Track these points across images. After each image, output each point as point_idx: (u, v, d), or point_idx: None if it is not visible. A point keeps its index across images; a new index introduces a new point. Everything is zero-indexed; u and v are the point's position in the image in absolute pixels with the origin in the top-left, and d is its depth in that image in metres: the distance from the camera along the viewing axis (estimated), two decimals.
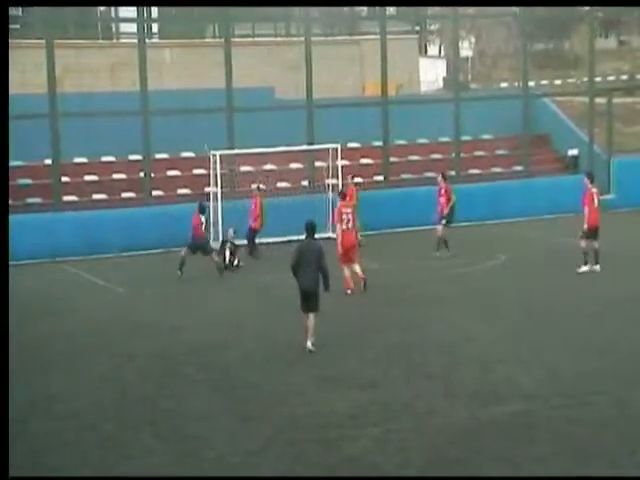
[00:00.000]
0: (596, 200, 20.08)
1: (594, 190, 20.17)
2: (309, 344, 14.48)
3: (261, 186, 24.53)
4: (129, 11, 36.86)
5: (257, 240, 23.99)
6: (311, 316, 14.51)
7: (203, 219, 21.58)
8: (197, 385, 13.26)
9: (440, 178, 23.33)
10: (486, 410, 11.74)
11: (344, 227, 18.65)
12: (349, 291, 18.64)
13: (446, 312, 17.16)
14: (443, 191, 22.98)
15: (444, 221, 22.74)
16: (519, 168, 31.14)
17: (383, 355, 14.41)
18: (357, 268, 18.78)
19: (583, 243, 20.05)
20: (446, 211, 22.79)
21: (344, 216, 18.68)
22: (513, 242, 24.75)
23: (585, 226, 19.86)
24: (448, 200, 22.89)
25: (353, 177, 25.52)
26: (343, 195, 19.93)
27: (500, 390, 12.50)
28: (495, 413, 11.63)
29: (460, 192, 28.27)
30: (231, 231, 22.79)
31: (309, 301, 14.46)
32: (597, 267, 20.04)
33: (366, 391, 12.66)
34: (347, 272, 18.69)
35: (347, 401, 12.26)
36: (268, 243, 24.41)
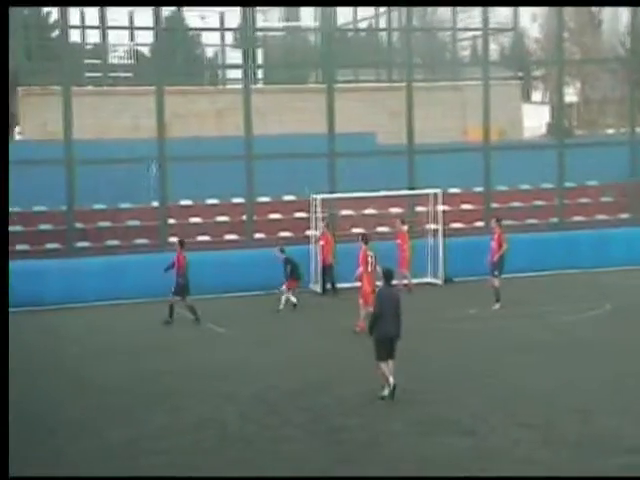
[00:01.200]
0: None
1: None
2: (391, 381, 14.53)
3: (326, 224, 25.24)
4: (235, 58, 37.79)
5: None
6: (390, 363, 14.54)
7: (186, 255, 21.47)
8: (295, 427, 13.36)
9: (494, 223, 22.88)
10: (589, 461, 11.49)
11: (369, 270, 19.75)
12: (358, 329, 19.21)
13: (547, 360, 16.89)
14: (496, 237, 22.48)
15: (496, 272, 22.25)
16: (625, 216, 30.53)
17: (481, 402, 14.27)
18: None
19: None
20: (496, 259, 22.23)
21: (369, 259, 19.78)
22: (619, 291, 24.19)
23: None
24: (499, 247, 22.32)
25: (403, 222, 25.48)
26: (366, 239, 20.45)
27: (603, 441, 12.23)
28: (598, 465, 11.37)
29: (564, 239, 28.01)
30: (277, 250, 23.14)
31: (391, 348, 14.54)
32: None
33: (464, 437, 12.56)
34: (364, 313, 19.26)
35: (444, 447, 12.19)
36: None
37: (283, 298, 22.58)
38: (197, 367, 17.19)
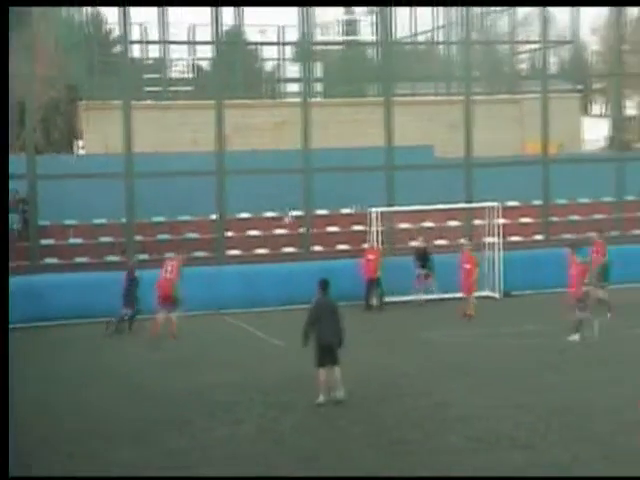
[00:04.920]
0: None
1: None
2: (341, 394, 14.92)
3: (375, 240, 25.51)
4: (294, 72, 38.04)
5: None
6: (335, 369, 14.98)
7: None
8: (352, 440, 13.35)
9: (597, 236, 23.25)
10: None
11: (167, 276, 21.48)
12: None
13: (616, 374, 16.60)
14: (598, 248, 22.77)
15: (602, 283, 22.34)
16: None
17: (541, 417, 14.13)
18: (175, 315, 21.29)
19: None
20: (600, 270, 22.41)
21: (169, 267, 21.70)
22: None
23: None
24: (601, 258, 22.59)
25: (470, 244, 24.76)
26: (177, 252, 22.32)
27: None
28: None
29: (624, 253, 27.60)
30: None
31: (329, 355, 14.93)
32: None
33: (522, 452, 12.45)
34: (161, 317, 21.20)
35: (503, 463, 12.09)
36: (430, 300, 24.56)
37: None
38: (256, 379, 17.27)
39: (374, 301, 24.79)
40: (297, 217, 28.23)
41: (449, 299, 24.44)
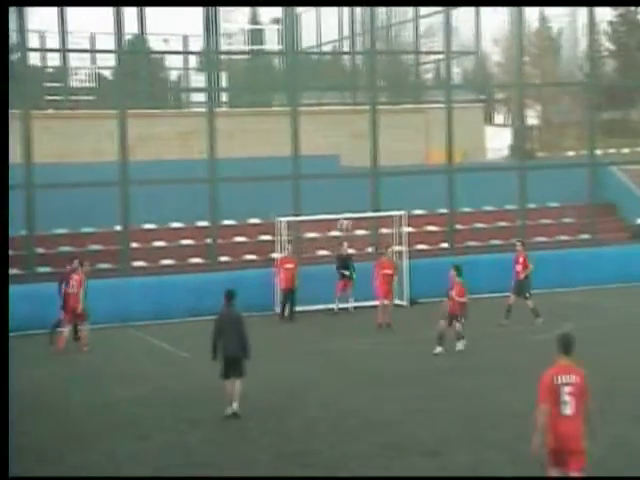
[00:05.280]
0: None
1: None
2: (235, 406, 14.69)
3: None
4: (199, 81, 37.73)
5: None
6: (237, 382, 14.75)
7: None
8: (261, 451, 13.21)
9: (519, 245, 23.73)
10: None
11: (70, 290, 21.11)
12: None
13: (521, 380, 16.78)
14: (521, 259, 23.30)
15: (527, 293, 22.99)
16: (586, 236, 30.81)
17: (448, 423, 14.23)
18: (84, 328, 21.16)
19: None
20: (522, 279, 23.12)
21: (72, 280, 21.26)
22: (581, 310, 24.35)
23: None
24: (525, 268, 23.18)
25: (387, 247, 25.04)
26: (81, 263, 21.91)
27: None
28: None
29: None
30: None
31: (234, 367, 14.69)
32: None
33: (428, 458, 12.49)
34: (67, 331, 20.98)
35: (409, 469, 12.11)
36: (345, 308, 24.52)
37: None
38: (163, 392, 16.99)
39: (287, 311, 24.66)
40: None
41: (363, 307, 24.55)
